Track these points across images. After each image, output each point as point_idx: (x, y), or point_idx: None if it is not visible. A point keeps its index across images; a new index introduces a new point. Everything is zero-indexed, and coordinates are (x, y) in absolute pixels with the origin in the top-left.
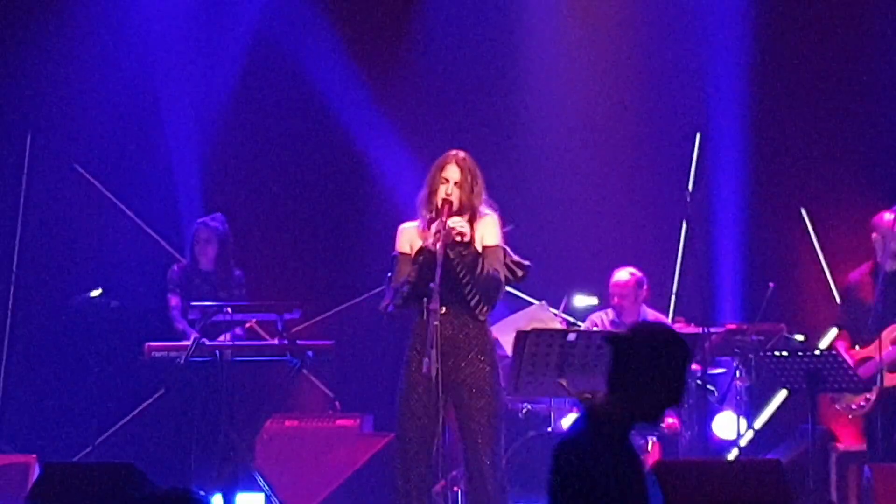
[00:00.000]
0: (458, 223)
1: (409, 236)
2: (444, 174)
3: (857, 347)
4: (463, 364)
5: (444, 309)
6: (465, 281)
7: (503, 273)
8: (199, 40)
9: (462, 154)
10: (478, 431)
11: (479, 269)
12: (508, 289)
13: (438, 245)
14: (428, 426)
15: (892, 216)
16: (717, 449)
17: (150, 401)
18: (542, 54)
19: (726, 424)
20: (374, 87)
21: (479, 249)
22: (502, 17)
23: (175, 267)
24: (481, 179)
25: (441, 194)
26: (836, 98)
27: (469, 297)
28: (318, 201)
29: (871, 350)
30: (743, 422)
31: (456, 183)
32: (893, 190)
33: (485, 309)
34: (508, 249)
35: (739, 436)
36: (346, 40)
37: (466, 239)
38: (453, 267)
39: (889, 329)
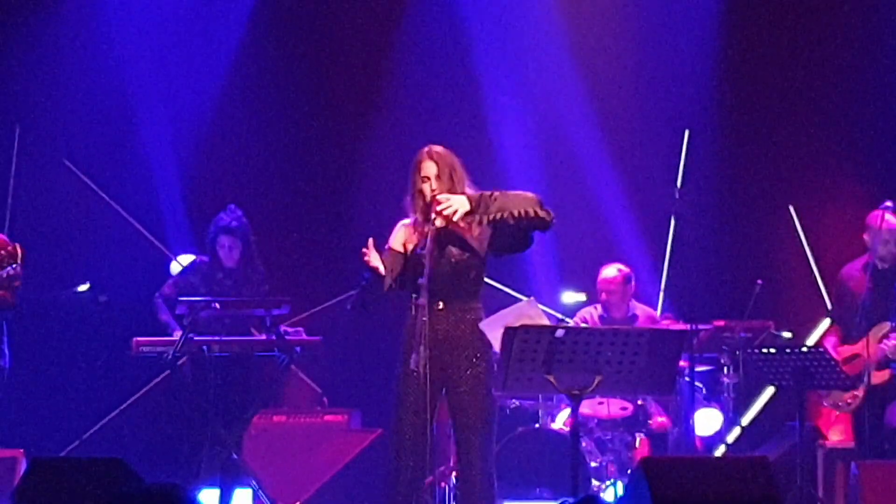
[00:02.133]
0: (444, 205)
1: (404, 234)
2: (422, 173)
3: (846, 343)
4: (459, 360)
5: (440, 304)
6: (506, 219)
7: (529, 194)
8: (188, 36)
9: (434, 148)
10: (471, 428)
11: (505, 203)
12: (496, 284)
13: (429, 238)
14: (420, 422)
15: (879, 215)
16: (704, 446)
17: (138, 395)
18: (530, 53)
19: (707, 421)
20: (362, 85)
21: (479, 230)
22: (491, 16)
23: (197, 262)
24: (460, 166)
25: (426, 192)
26: (824, 95)
27: (525, 222)
28: (306, 198)
29: (858, 347)
30: (721, 417)
31: (436, 177)
32: (880, 186)
33: (543, 215)
34: None
35: (722, 432)
36: (335, 40)
37: (464, 211)
38: (492, 219)
39: (877, 327)
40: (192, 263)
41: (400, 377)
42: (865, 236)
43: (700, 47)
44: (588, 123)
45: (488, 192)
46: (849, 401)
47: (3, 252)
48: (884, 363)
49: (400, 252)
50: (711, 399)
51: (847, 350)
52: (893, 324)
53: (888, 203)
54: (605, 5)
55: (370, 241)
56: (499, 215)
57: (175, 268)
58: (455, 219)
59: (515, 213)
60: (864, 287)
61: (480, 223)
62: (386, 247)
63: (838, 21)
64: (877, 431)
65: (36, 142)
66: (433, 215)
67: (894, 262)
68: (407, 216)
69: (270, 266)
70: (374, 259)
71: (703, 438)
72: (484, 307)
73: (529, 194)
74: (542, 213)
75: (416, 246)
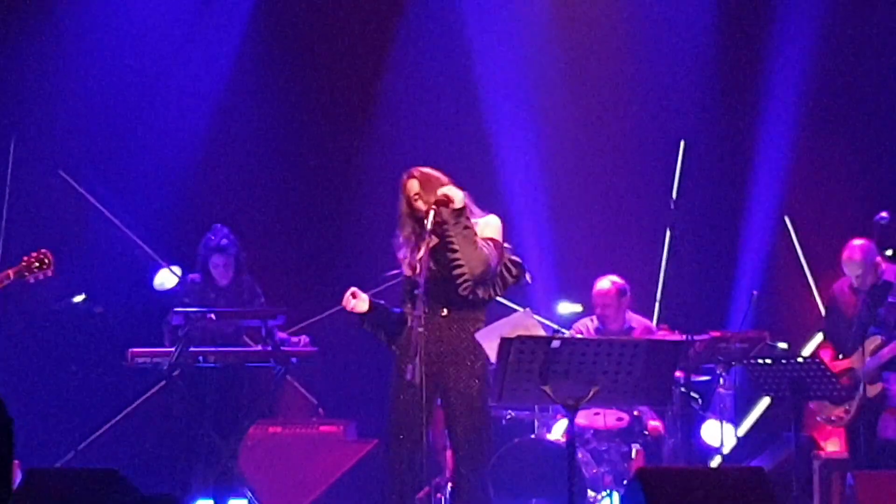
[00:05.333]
0: (448, 188)
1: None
2: (409, 193)
3: (840, 357)
4: (456, 370)
5: (445, 311)
6: (451, 245)
7: (494, 257)
8: (183, 49)
9: (412, 169)
10: (464, 439)
11: (470, 239)
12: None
13: (430, 226)
14: (415, 432)
15: (845, 248)
16: (700, 456)
17: (134, 406)
18: (527, 64)
19: (715, 431)
20: (358, 97)
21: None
22: (485, 28)
23: (189, 281)
24: (445, 176)
25: (421, 206)
26: (819, 106)
27: (456, 267)
28: (303, 208)
29: (851, 361)
30: (731, 428)
31: (422, 192)
32: (876, 197)
33: (468, 285)
34: (507, 249)
35: (738, 440)
36: (331, 53)
37: (456, 205)
38: (446, 237)
39: (869, 340)
40: (185, 283)
41: (395, 387)
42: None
43: (695, 58)
44: (584, 134)
45: (470, 221)
46: (840, 415)
47: (32, 258)
48: (875, 377)
49: (409, 277)
50: (708, 410)
51: (840, 364)
52: (883, 337)
53: (883, 214)
54: (600, 16)
55: (349, 292)
56: (450, 241)
57: (162, 276)
58: (448, 198)
59: (455, 255)
60: (854, 304)
61: (434, 232)
62: (403, 275)
63: (833, 32)
64: (871, 443)
65: (31, 152)
66: (427, 223)
67: (873, 285)
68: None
69: (266, 277)
70: (357, 306)
71: (703, 449)
72: (475, 291)
73: (485, 260)
74: (465, 286)
75: (415, 267)
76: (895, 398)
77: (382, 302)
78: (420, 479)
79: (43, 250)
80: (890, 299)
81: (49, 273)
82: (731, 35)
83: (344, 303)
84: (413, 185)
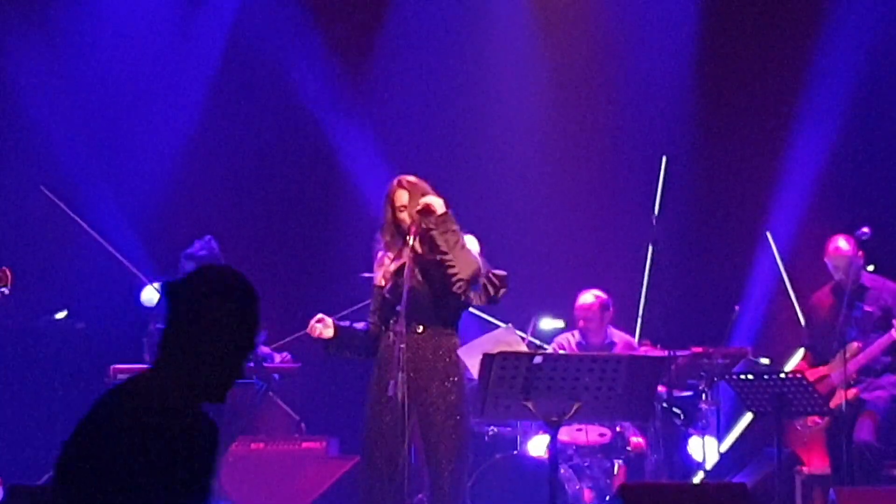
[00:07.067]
0: (428, 198)
1: (381, 268)
2: (396, 203)
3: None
4: (434, 384)
5: (421, 328)
6: (442, 250)
7: (481, 262)
8: (164, 65)
9: (405, 177)
10: (444, 453)
11: (458, 241)
12: (475, 311)
13: (411, 246)
14: (394, 448)
15: (831, 242)
16: (683, 472)
17: None
18: (508, 79)
19: (699, 447)
20: (338, 109)
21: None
22: (468, 44)
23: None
24: (432, 191)
25: (405, 219)
26: (801, 121)
27: (448, 269)
28: (286, 223)
29: (829, 367)
30: (714, 444)
31: (410, 205)
32: (857, 213)
33: (463, 285)
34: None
35: (720, 456)
36: (310, 63)
37: (438, 211)
38: (434, 245)
39: (848, 347)
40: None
41: (372, 403)
42: (826, 260)
43: (677, 73)
44: (565, 149)
45: (456, 225)
46: (817, 421)
47: None
48: (851, 382)
49: (380, 287)
50: (689, 426)
51: (817, 372)
52: (860, 343)
53: (865, 229)
54: (580, 32)
55: (314, 319)
56: (439, 245)
57: (148, 293)
58: (432, 208)
59: (446, 258)
60: (835, 309)
61: (427, 231)
62: (374, 284)
63: (815, 47)
64: (849, 449)
65: (12, 169)
66: (410, 238)
67: (855, 284)
68: (379, 248)
69: None
70: (324, 332)
71: (685, 465)
72: (460, 334)
73: (475, 261)
74: (459, 284)
75: (388, 279)
76: (872, 403)
77: (347, 323)
78: (402, 497)
79: (2, 267)
80: (865, 307)
81: (6, 291)
82: (711, 50)
83: (309, 329)
84: (401, 196)
